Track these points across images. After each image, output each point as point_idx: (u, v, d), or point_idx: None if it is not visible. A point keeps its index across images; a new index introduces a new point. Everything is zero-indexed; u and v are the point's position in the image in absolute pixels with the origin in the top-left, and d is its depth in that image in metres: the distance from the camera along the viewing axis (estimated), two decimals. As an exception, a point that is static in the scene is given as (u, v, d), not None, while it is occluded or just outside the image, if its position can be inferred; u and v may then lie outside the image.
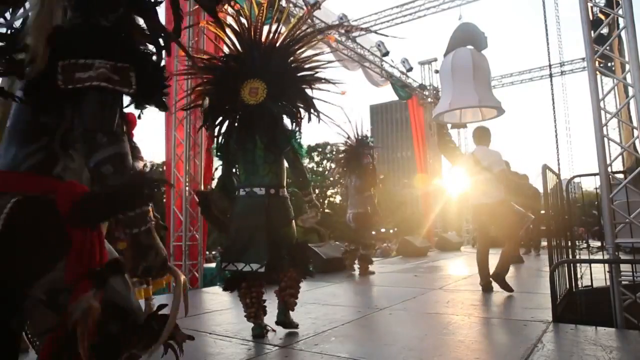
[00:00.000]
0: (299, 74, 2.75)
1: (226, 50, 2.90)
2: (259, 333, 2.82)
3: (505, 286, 4.12)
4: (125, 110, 1.09)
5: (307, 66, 2.76)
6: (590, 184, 4.49)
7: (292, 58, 2.75)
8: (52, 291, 0.96)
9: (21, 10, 1.04)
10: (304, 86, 2.74)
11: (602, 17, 6.29)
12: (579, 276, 4.14)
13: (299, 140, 2.94)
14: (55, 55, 0.96)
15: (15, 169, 0.99)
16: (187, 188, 6.17)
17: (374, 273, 6.37)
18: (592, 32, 3.53)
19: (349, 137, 6.46)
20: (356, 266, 6.75)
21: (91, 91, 0.97)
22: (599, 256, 4.53)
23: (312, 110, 2.72)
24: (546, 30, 8.85)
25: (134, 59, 1.02)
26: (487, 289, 4.28)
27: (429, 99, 12.76)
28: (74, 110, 1.00)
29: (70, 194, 0.97)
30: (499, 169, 4.22)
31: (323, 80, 2.73)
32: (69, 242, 0.95)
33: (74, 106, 0.99)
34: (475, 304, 3.82)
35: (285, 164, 2.93)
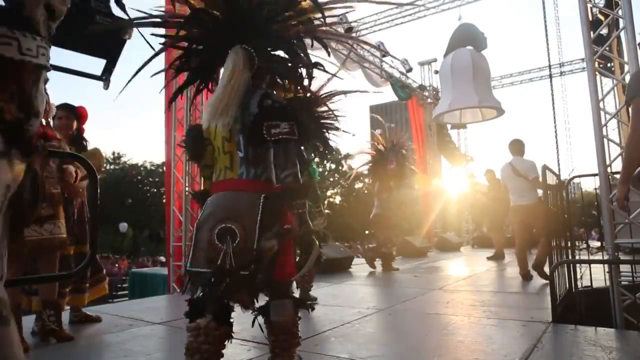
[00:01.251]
0: (320, 121, 3.55)
1: None
2: None
3: (544, 275, 4.67)
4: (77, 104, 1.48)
5: (325, 115, 3.55)
6: (590, 185, 4.54)
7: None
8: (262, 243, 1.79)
9: None
10: (322, 130, 3.56)
11: (602, 17, 6.30)
12: (578, 276, 4.14)
13: (313, 166, 4.12)
14: (262, 119, 1.82)
15: (258, 179, 1.89)
16: (187, 189, 6.17)
17: (398, 269, 6.74)
18: (592, 32, 3.53)
19: (378, 144, 6.84)
20: (354, 265, 6.79)
21: (282, 140, 1.82)
22: (598, 256, 4.53)
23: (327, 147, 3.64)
24: (546, 31, 8.84)
25: (295, 119, 1.87)
26: (526, 278, 5.07)
27: (429, 100, 12.75)
28: (274, 148, 1.89)
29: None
30: (534, 176, 4.85)
31: (337, 128, 3.61)
32: (284, 215, 1.89)
33: (273, 146, 1.88)
34: (475, 304, 3.82)
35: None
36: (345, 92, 3.49)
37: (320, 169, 32.25)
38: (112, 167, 36.02)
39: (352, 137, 3.80)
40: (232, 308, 1.88)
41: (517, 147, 5.26)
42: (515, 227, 5.38)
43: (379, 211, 6.82)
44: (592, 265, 3.89)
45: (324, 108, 3.54)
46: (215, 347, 1.75)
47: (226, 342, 1.82)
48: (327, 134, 3.54)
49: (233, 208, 1.83)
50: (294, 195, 1.84)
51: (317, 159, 3.97)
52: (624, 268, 3.28)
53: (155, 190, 36.07)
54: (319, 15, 1.99)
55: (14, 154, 0.83)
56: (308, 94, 3.36)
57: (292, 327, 1.97)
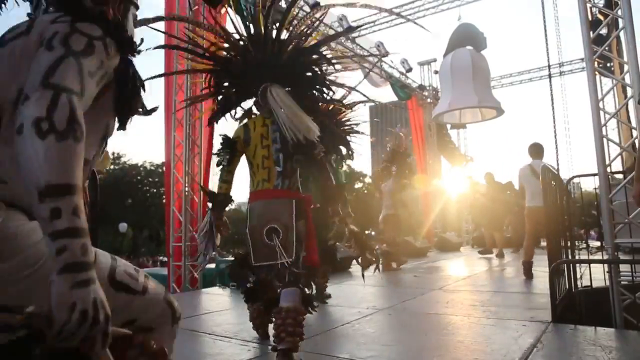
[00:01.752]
0: (341, 127, 3.98)
1: None
2: None
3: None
4: None
5: (347, 123, 4.03)
6: (590, 184, 4.56)
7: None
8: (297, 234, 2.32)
9: None
10: (346, 135, 4.02)
11: (601, 17, 6.30)
12: (578, 276, 4.14)
13: (340, 170, 4.56)
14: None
15: (289, 189, 2.39)
16: (186, 189, 6.17)
17: (398, 269, 6.81)
18: (591, 32, 3.53)
19: (401, 144, 6.97)
20: (354, 265, 6.79)
21: (322, 156, 2.40)
22: (598, 256, 4.53)
23: (350, 149, 4.14)
24: (545, 31, 8.86)
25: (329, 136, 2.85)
26: (527, 267, 5.24)
27: (429, 100, 12.75)
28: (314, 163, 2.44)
29: (309, 199, 2.55)
30: None
31: (358, 132, 4.14)
32: (307, 213, 2.44)
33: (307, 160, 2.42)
34: (474, 304, 3.82)
35: None
36: (363, 102, 3.86)
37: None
38: (112, 167, 35.98)
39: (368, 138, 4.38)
40: (275, 294, 2.36)
41: (536, 150, 5.46)
42: (527, 224, 5.60)
43: (392, 211, 6.79)
44: (591, 265, 3.88)
45: (346, 116, 3.91)
46: (262, 318, 2.67)
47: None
48: (349, 137, 3.99)
49: (273, 212, 2.34)
50: (338, 196, 2.50)
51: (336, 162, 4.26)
52: (624, 268, 3.28)
53: (155, 190, 36.00)
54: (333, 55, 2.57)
55: (110, 42, 0.90)
56: (331, 107, 3.75)
57: (299, 315, 2.22)
